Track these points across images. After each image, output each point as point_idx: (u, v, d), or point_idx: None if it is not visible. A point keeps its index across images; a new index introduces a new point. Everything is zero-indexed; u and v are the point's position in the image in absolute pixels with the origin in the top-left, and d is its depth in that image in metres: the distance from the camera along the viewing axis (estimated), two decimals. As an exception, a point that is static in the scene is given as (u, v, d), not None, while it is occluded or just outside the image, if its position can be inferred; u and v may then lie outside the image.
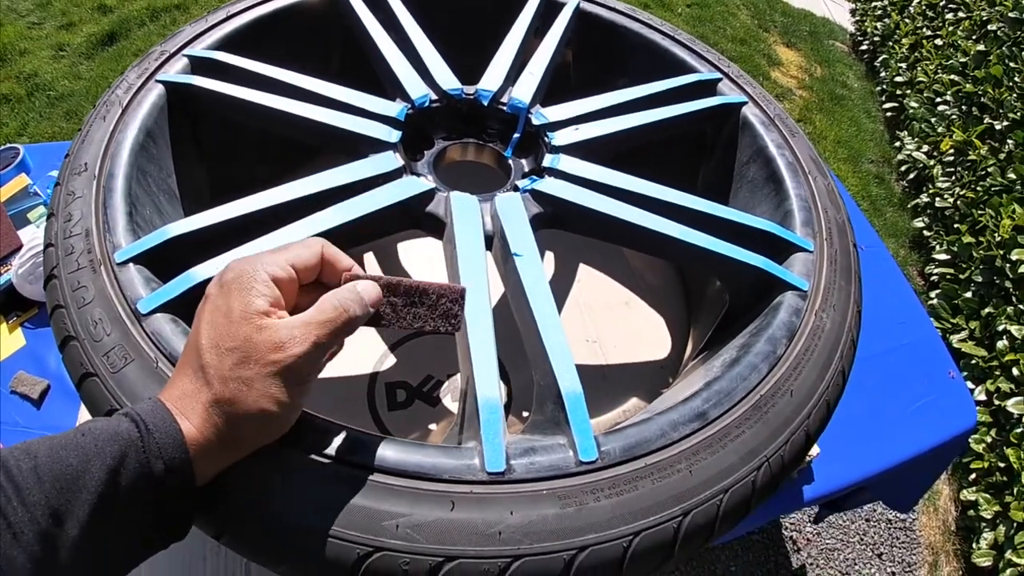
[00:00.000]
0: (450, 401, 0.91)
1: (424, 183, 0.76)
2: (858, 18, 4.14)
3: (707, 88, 1.03)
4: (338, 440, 0.50)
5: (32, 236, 1.39)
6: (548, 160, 0.83)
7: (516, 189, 0.83)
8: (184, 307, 0.63)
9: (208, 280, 0.62)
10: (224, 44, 0.97)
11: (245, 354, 0.44)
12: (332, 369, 0.93)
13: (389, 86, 0.95)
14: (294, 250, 0.49)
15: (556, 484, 0.51)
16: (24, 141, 2.72)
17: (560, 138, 0.87)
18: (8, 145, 1.60)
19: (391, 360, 0.95)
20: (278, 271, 0.47)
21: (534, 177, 0.82)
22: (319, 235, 0.67)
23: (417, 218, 0.75)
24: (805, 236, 0.83)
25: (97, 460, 0.40)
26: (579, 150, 0.86)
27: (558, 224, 0.78)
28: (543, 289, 0.63)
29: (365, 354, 0.96)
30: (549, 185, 0.78)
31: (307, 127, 0.84)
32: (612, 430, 0.56)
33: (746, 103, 1.01)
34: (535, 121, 0.90)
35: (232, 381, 0.44)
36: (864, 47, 3.89)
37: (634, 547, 0.50)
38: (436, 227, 0.75)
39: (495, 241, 0.72)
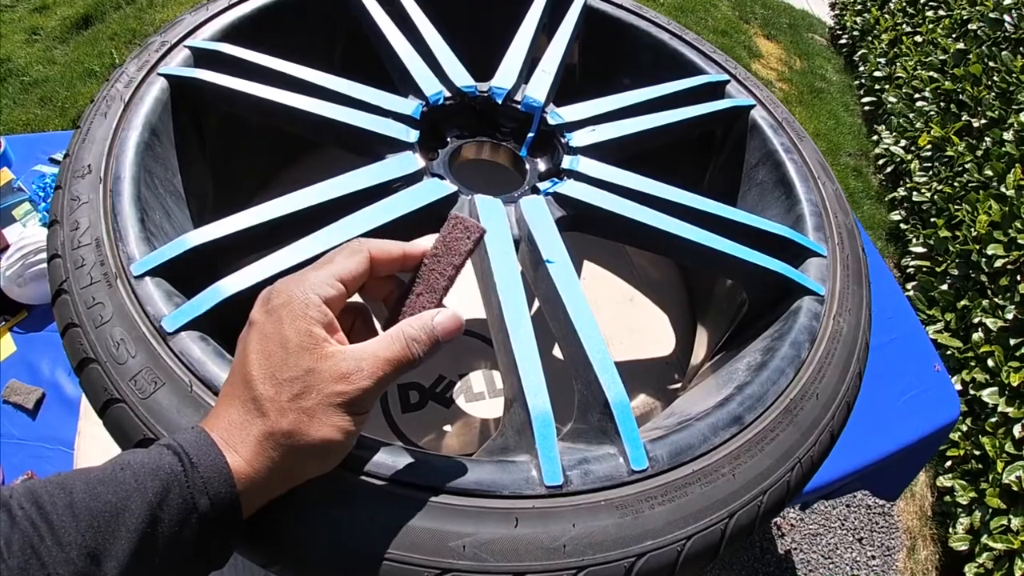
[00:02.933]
0: (463, 402, 0.91)
1: (447, 186, 0.75)
2: (837, 12, 4.19)
3: (716, 90, 1.03)
4: (394, 460, 0.50)
5: (19, 235, 1.33)
6: (567, 162, 0.83)
7: (535, 191, 0.83)
8: (212, 324, 0.60)
9: (238, 294, 0.61)
10: (226, 35, 0.94)
11: (307, 384, 0.42)
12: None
13: (401, 82, 0.93)
14: (339, 263, 0.47)
15: (612, 494, 0.51)
16: (-3, 128, 2.64)
17: (578, 139, 0.87)
18: None
19: (403, 361, 0.94)
20: (328, 290, 0.45)
21: (555, 179, 0.82)
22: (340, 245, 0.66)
23: (441, 221, 0.74)
24: (818, 241, 0.85)
25: (137, 497, 0.38)
26: (597, 151, 0.86)
27: (579, 227, 0.78)
28: (580, 296, 0.63)
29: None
30: (571, 188, 0.79)
31: (322, 125, 0.82)
32: (656, 437, 0.57)
33: (754, 106, 1.02)
34: (551, 121, 0.90)
35: (292, 412, 0.42)
36: (843, 41, 3.94)
37: (686, 550, 0.51)
38: (460, 231, 0.74)
39: (522, 245, 0.71)
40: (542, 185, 0.81)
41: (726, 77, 1.05)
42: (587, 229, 0.79)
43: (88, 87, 2.79)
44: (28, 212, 1.43)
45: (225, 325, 0.62)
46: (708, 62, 1.07)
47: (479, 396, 0.92)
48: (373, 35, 0.98)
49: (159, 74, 0.85)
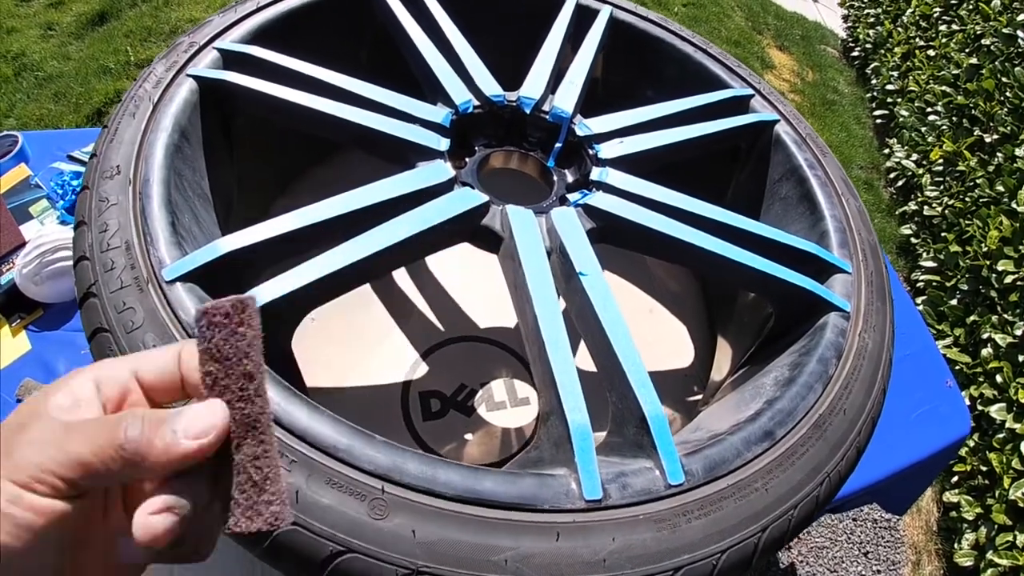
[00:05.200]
0: (485, 411, 0.91)
1: (478, 196, 0.76)
2: (850, 24, 4.19)
3: (741, 104, 1.04)
4: (434, 472, 0.50)
5: (37, 232, 1.32)
6: (596, 173, 0.84)
7: (563, 201, 0.84)
8: None
9: (273, 303, 0.61)
10: (254, 37, 0.95)
11: None
12: (364, 377, 0.93)
13: (430, 90, 0.94)
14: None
15: (650, 508, 0.52)
16: (11, 123, 2.64)
17: (606, 151, 0.87)
18: (4, 133, 1.53)
19: (423, 368, 0.95)
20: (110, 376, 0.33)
21: (584, 191, 0.82)
22: (378, 253, 0.66)
23: (471, 232, 0.75)
24: (843, 257, 0.85)
25: None
26: (625, 164, 0.86)
27: (609, 239, 0.79)
28: (614, 309, 0.64)
29: (397, 362, 0.95)
30: (601, 200, 0.79)
31: (353, 131, 0.83)
32: (691, 451, 0.58)
33: (779, 121, 1.02)
34: (579, 131, 0.90)
35: None
36: (855, 53, 3.94)
37: (721, 564, 0.52)
38: (491, 241, 0.75)
39: (553, 257, 0.72)
40: (572, 196, 0.82)
41: (751, 91, 1.06)
42: (616, 241, 0.80)
43: (103, 84, 2.79)
44: (46, 209, 1.41)
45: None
46: (732, 76, 1.08)
47: (500, 405, 0.92)
48: (402, 42, 0.99)
49: (188, 75, 0.85)
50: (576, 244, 0.71)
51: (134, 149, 0.73)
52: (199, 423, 0.31)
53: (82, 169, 1.46)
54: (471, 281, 1.06)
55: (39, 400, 0.31)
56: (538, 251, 0.69)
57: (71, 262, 1.18)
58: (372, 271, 0.71)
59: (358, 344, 0.96)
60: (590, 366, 0.68)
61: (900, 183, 3.05)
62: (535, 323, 0.61)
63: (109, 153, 0.73)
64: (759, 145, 1.02)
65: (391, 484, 0.49)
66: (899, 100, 3.33)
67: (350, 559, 0.47)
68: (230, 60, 0.90)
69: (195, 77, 0.84)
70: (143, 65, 2.92)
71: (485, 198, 0.76)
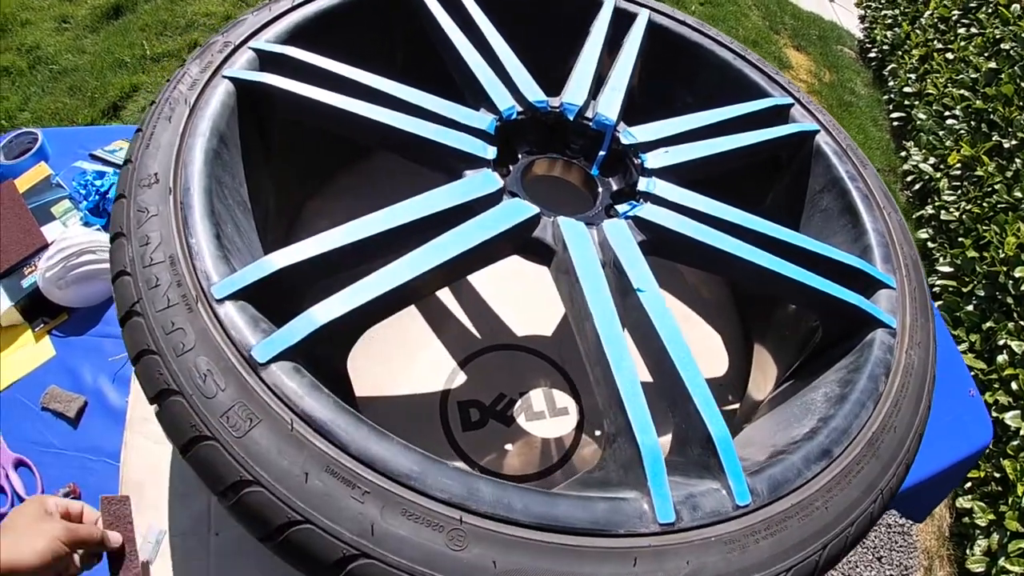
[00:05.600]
0: (524, 421, 0.91)
1: (529, 207, 0.75)
2: (867, 25, 4.17)
3: (781, 113, 1.03)
4: (508, 499, 0.50)
5: (61, 235, 1.27)
6: (644, 184, 0.83)
7: (608, 211, 0.83)
8: (303, 354, 0.58)
9: (330, 323, 0.59)
10: (290, 36, 0.93)
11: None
12: (403, 386, 0.93)
13: (472, 95, 0.93)
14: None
15: (720, 529, 0.52)
16: (26, 116, 2.62)
17: (652, 160, 0.87)
18: (24, 129, 1.49)
19: (461, 377, 0.95)
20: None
21: (632, 202, 0.82)
22: (433, 269, 0.65)
23: (522, 244, 0.74)
24: (887, 272, 0.85)
25: None
26: (671, 174, 0.86)
27: (658, 252, 0.79)
28: (673, 327, 0.63)
29: (435, 371, 0.95)
30: (651, 212, 0.79)
31: (399, 138, 0.81)
32: (754, 471, 0.58)
33: (819, 131, 1.01)
34: (623, 140, 0.90)
35: None
36: (872, 54, 3.92)
37: None
38: (542, 253, 0.74)
39: (607, 270, 0.71)
40: (620, 208, 0.81)
41: (790, 100, 1.05)
42: (665, 254, 0.79)
43: (119, 77, 2.78)
44: (68, 210, 1.37)
45: (314, 355, 0.60)
46: (771, 84, 1.07)
47: (539, 415, 0.92)
48: (442, 45, 0.98)
49: (224, 76, 0.82)
50: (631, 258, 0.70)
51: (172, 155, 0.71)
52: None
53: (105, 168, 1.43)
54: (507, 289, 1.05)
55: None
56: (594, 266, 0.68)
57: (97, 266, 1.19)
58: (428, 287, 0.70)
59: (397, 353, 0.96)
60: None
61: (917, 187, 3.04)
62: (597, 342, 0.60)
63: (146, 160, 0.70)
64: (800, 156, 1.02)
65: (468, 513, 0.49)
66: (917, 103, 3.31)
67: None
68: (266, 61, 0.88)
69: (231, 79, 0.82)
70: (159, 59, 2.91)
71: (536, 210, 0.75)
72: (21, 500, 0.96)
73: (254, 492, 0.50)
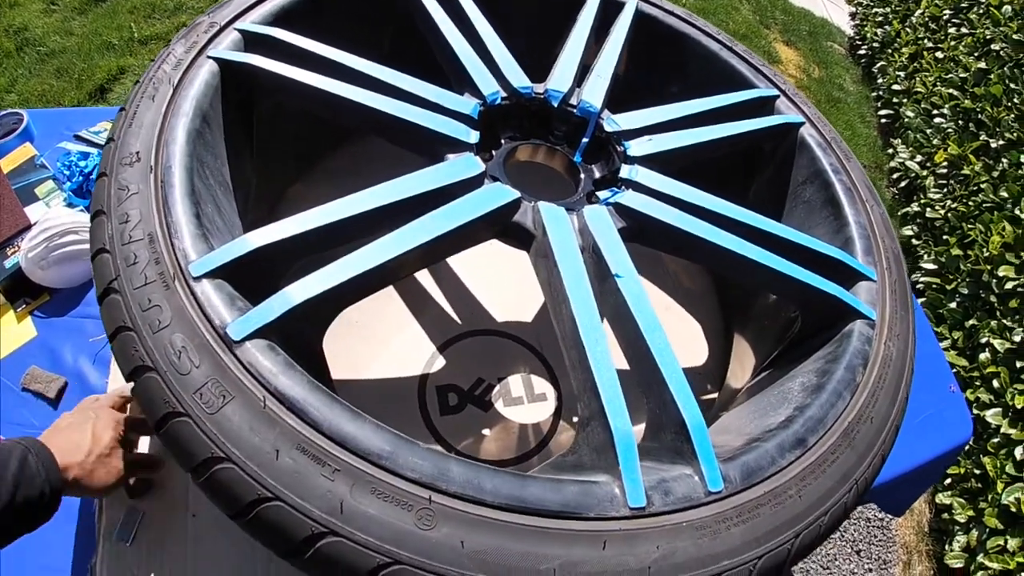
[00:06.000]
0: (502, 406, 0.91)
1: (510, 191, 0.75)
2: (858, 22, 4.18)
3: (766, 105, 1.03)
4: (478, 480, 0.50)
5: (44, 215, 1.27)
6: (626, 171, 0.83)
7: (590, 198, 0.83)
8: (278, 332, 0.58)
9: (306, 302, 0.59)
10: (276, 18, 0.92)
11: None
12: (382, 369, 0.93)
13: (457, 79, 0.92)
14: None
15: (692, 515, 0.53)
16: (12, 98, 2.60)
17: (636, 148, 0.86)
18: (9, 110, 1.49)
19: (440, 362, 0.94)
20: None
21: (613, 188, 0.82)
22: (411, 250, 0.65)
23: (502, 228, 0.74)
24: (867, 264, 0.85)
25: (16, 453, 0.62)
26: (654, 162, 0.85)
27: (638, 239, 0.78)
28: (650, 313, 0.63)
29: (414, 354, 0.95)
30: (632, 199, 0.78)
31: (383, 120, 0.81)
32: (728, 458, 0.58)
33: (804, 123, 1.01)
34: (607, 127, 0.90)
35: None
36: (862, 51, 3.93)
37: (757, 569, 0.53)
38: (522, 238, 0.74)
39: (586, 256, 0.71)
40: (602, 194, 0.81)
41: (776, 92, 1.05)
42: (646, 241, 0.79)
43: (106, 60, 2.75)
44: (52, 191, 1.37)
45: (290, 333, 0.60)
46: (758, 75, 1.07)
47: (518, 400, 0.92)
48: (428, 29, 0.97)
49: (209, 57, 0.82)
50: (610, 244, 0.70)
51: (154, 134, 0.70)
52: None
53: (89, 150, 1.42)
54: (486, 273, 1.05)
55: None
56: (573, 250, 0.68)
57: (80, 246, 1.18)
58: (404, 269, 0.70)
59: (375, 336, 0.95)
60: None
61: (903, 184, 3.06)
62: (573, 326, 0.60)
63: (128, 138, 0.70)
64: (784, 147, 1.02)
65: (437, 493, 0.49)
66: (905, 101, 3.32)
67: (398, 570, 0.47)
68: (252, 42, 0.87)
69: (216, 59, 0.82)
70: (147, 42, 2.88)
71: (517, 194, 0.75)
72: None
73: (225, 469, 0.50)
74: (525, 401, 0.92)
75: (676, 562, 0.49)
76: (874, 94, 3.67)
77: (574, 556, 0.47)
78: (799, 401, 0.69)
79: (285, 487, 0.49)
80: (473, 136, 0.81)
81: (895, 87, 3.43)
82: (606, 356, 0.58)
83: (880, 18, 3.90)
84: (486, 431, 0.89)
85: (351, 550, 0.47)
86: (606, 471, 0.54)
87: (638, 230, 0.77)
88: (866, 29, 3.96)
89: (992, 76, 2.79)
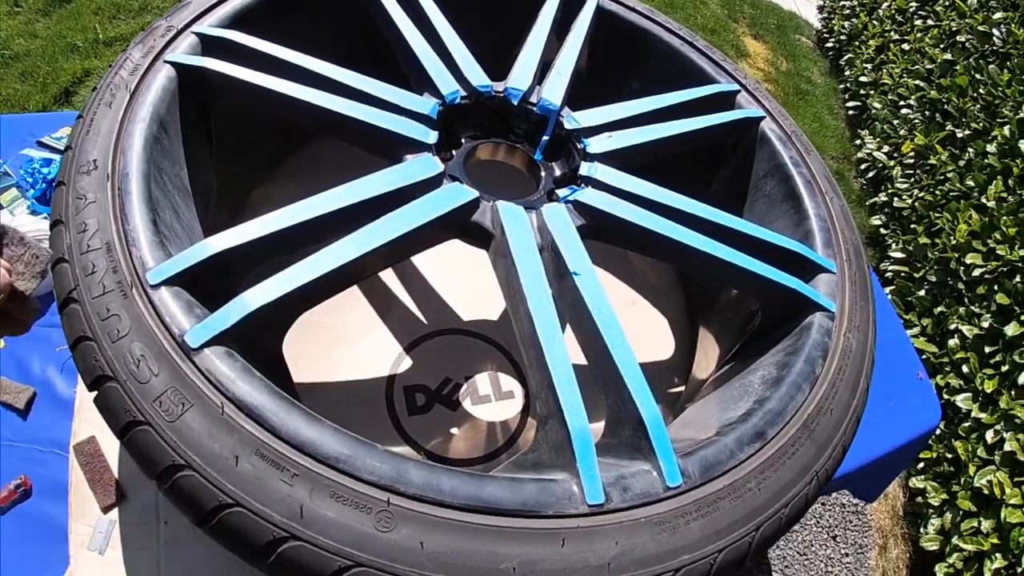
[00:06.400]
0: (470, 405, 0.91)
1: (468, 191, 0.75)
2: (825, 15, 4.22)
3: (727, 100, 1.04)
4: (437, 480, 0.50)
5: (8, 223, 1.22)
6: (585, 168, 0.83)
7: (551, 196, 0.83)
8: (236, 339, 0.58)
9: (263, 307, 0.59)
10: (233, 21, 0.91)
11: None
12: (348, 371, 0.92)
13: (416, 79, 0.92)
14: None
15: (650, 510, 0.53)
16: (-25, 105, 2.55)
17: (595, 145, 0.87)
18: None
19: (407, 362, 0.94)
20: None
21: (573, 186, 0.82)
22: (369, 252, 0.65)
23: (461, 228, 0.74)
24: (827, 257, 0.86)
25: None
26: (613, 159, 0.86)
27: (597, 236, 0.79)
28: (608, 310, 0.63)
29: (380, 355, 0.94)
30: (591, 196, 0.79)
31: (338, 122, 0.81)
32: (686, 453, 0.58)
33: (764, 117, 1.02)
34: (567, 125, 0.90)
35: None
36: (830, 44, 3.98)
37: (718, 563, 0.53)
38: (481, 237, 0.74)
39: (545, 254, 0.71)
40: (561, 192, 0.81)
41: (737, 87, 1.06)
42: (606, 238, 0.79)
43: (71, 63, 2.71)
44: (16, 199, 1.34)
45: (248, 339, 0.60)
46: (718, 70, 1.08)
47: (485, 399, 0.92)
48: (388, 29, 0.97)
49: (165, 61, 0.81)
50: (568, 242, 0.70)
51: (111, 141, 0.70)
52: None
53: (53, 156, 1.40)
54: (452, 273, 1.05)
55: None
56: (531, 249, 0.68)
57: (45, 255, 1.16)
58: (363, 271, 0.70)
59: (341, 338, 0.95)
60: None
61: (871, 174, 3.10)
62: (531, 325, 0.60)
63: (85, 146, 0.70)
64: (744, 141, 1.03)
65: (396, 495, 0.49)
66: (872, 92, 3.37)
67: (359, 573, 0.47)
68: (209, 45, 0.86)
69: (173, 63, 0.81)
70: (112, 43, 2.85)
71: (475, 194, 0.74)
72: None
73: (186, 476, 0.50)
74: (493, 399, 0.92)
75: (635, 558, 0.49)
76: (842, 86, 3.72)
77: (533, 554, 0.47)
78: (759, 394, 0.69)
79: (245, 493, 0.49)
80: (432, 136, 0.81)
81: (862, 79, 3.48)
82: (563, 354, 0.58)
83: (847, 11, 3.94)
84: (454, 430, 0.89)
85: (312, 554, 0.47)
86: (564, 469, 0.54)
87: (597, 227, 0.77)
88: (833, 22, 4.00)
89: (958, 67, 2.83)
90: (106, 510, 0.89)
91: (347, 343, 0.95)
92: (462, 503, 0.50)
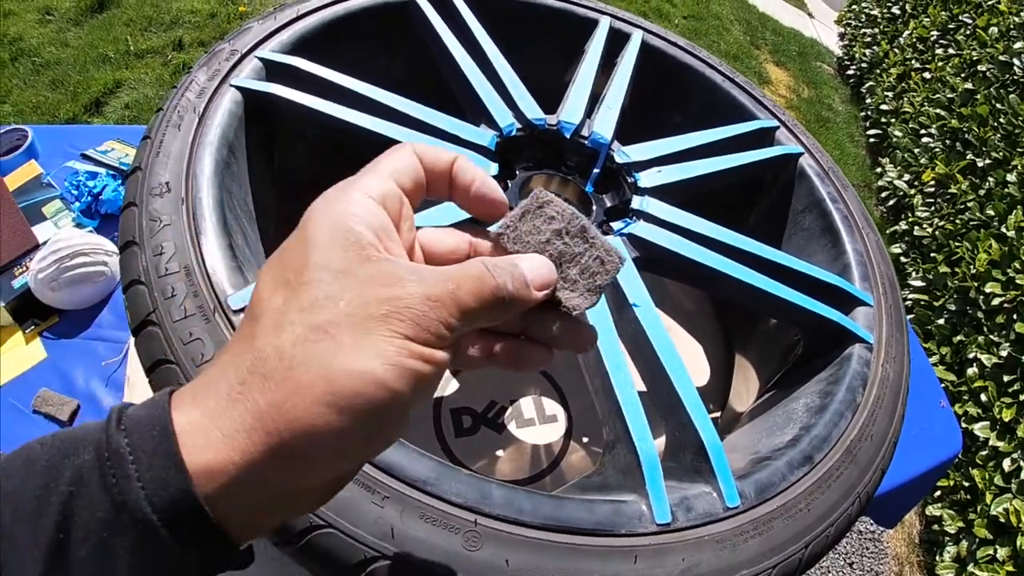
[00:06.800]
0: (515, 428, 0.94)
1: (530, 222, 0.78)
2: (846, 43, 4.27)
3: (767, 135, 1.08)
4: (517, 502, 0.53)
5: (54, 236, 1.25)
6: (637, 202, 0.87)
7: (602, 228, 0.87)
8: None
9: None
10: (294, 47, 0.94)
11: (334, 288, 0.29)
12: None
13: (472, 111, 0.96)
14: (384, 162, 0.36)
15: (712, 529, 0.57)
16: (7, 109, 2.59)
17: (646, 179, 0.90)
18: (12, 126, 1.47)
19: (454, 385, 0.97)
20: (379, 187, 0.34)
21: (626, 219, 0.86)
22: None
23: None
24: (864, 290, 0.89)
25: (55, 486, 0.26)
26: (663, 193, 0.89)
27: (650, 268, 0.82)
28: (667, 340, 0.67)
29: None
30: (643, 229, 0.82)
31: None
32: (742, 475, 0.62)
33: (803, 153, 1.06)
34: (617, 159, 0.93)
35: (302, 327, 0.28)
36: (851, 71, 4.03)
37: None
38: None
39: (603, 286, 0.74)
40: (615, 225, 0.85)
41: (776, 123, 1.09)
42: (657, 270, 0.83)
43: (102, 73, 2.77)
44: (60, 211, 1.36)
45: None
46: (758, 106, 1.12)
47: (529, 422, 0.95)
48: (444, 61, 1.01)
49: (232, 85, 0.84)
50: (626, 274, 0.74)
51: (183, 165, 0.71)
52: (542, 277, 0.35)
53: (97, 169, 1.42)
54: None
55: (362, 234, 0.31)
56: (592, 281, 0.72)
57: (91, 268, 1.20)
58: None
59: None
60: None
61: (891, 203, 3.13)
62: (597, 354, 0.64)
63: (156, 167, 0.70)
64: (783, 176, 1.06)
65: (481, 516, 0.52)
66: (893, 120, 3.41)
67: None
68: (272, 70, 0.89)
69: (239, 88, 0.83)
70: (143, 55, 2.90)
71: (537, 225, 0.78)
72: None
73: None
74: (537, 422, 0.95)
75: (700, 573, 0.53)
76: (862, 114, 3.76)
77: (610, 571, 0.51)
78: (804, 421, 0.73)
79: (337, 514, 0.51)
80: (493, 168, 0.85)
81: (883, 107, 3.52)
82: (629, 383, 0.62)
83: (868, 39, 3.99)
84: (500, 452, 0.92)
85: (403, 573, 0.50)
86: (633, 491, 0.58)
87: (650, 260, 0.81)
88: (855, 49, 4.05)
89: (978, 96, 2.87)
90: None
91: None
92: (541, 522, 0.53)
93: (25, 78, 2.74)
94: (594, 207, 0.91)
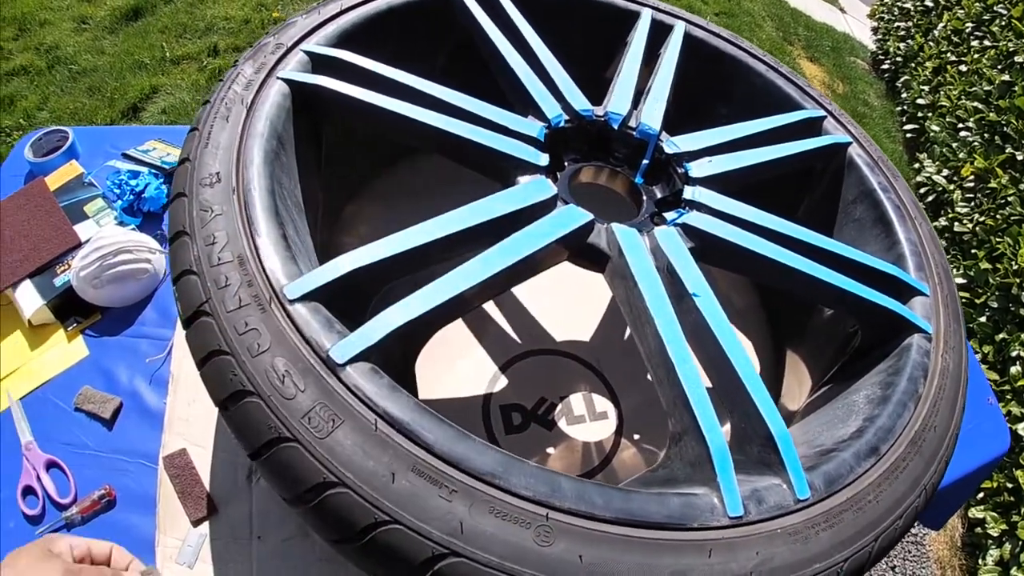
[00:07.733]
0: (565, 425, 0.93)
1: (583, 214, 0.78)
2: (880, 37, 4.20)
3: (815, 125, 1.06)
4: (589, 495, 0.53)
5: (96, 234, 1.25)
6: (689, 192, 0.86)
7: (654, 219, 0.86)
8: (380, 356, 0.58)
9: (406, 325, 0.59)
10: (340, 39, 0.94)
11: None
12: (447, 390, 0.95)
13: (520, 103, 0.95)
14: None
15: (784, 522, 0.56)
16: (44, 116, 2.63)
17: (697, 169, 0.89)
18: (54, 127, 1.48)
19: (503, 381, 0.97)
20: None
21: (680, 209, 0.85)
22: (499, 272, 0.67)
23: (577, 250, 0.77)
24: (920, 280, 0.88)
25: None
26: (714, 183, 0.88)
27: (704, 259, 0.81)
28: (729, 329, 0.66)
29: (478, 375, 0.97)
30: (698, 219, 0.81)
31: (456, 144, 0.83)
32: (810, 467, 0.60)
33: (851, 143, 1.04)
34: (667, 149, 0.93)
35: None
36: (885, 66, 3.96)
37: (845, 571, 0.56)
38: (596, 259, 0.77)
39: (662, 276, 0.74)
40: (669, 215, 0.84)
41: (823, 113, 1.08)
42: (712, 261, 0.82)
43: (138, 79, 2.80)
44: (102, 209, 1.36)
45: (388, 356, 0.61)
46: (804, 96, 1.10)
47: (580, 419, 0.94)
48: (489, 53, 1.00)
49: (279, 78, 0.83)
50: (684, 264, 0.73)
51: (233, 155, 0.70)
52: None
53: (139, 168, 1.42)
54: (544, 294, 1.07)
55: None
56: (650, 271, 0.71)
57: (133, 266, 1.21)
58: (493, 290, 0.72)
59: (440, 358, 0.97)
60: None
61: (930, 198, 3.07)
62: (660, 345, 0.63)
63: (205, 158, 0.70)
64: (833, 166, 1.05)
65: (553, 510, 0.51)
66: (930, 115, 3.34)
67: None
68: (318, 63, 0.89)
69: (286, 80, 0.83)
70: (179, 62, 2.94)
71: (590, 216, 0.77)
72: (53, 503, 0.94)
73: (339, 493, 0.50)
74: (587, 419, 0.94)
75: (774, 566, 0.52)
76: (898, 108, 3.70)
77: (684, 565, 0.50)
78: (867, 412, 0.71)
79: (403, 509, 0.49)
80: (543, 159, 0.84)
81: (919, 101, 3.45)
82: (695, 373, 0.61)
83: (902, 32, 3.92)
84: (551, 449, 0.91)
85: (472, 569, 0.48)
86: (703, 484, 0.57)
87: (706, 250, 0.80)
88: (888, 44, 3.99)
89: (1016, 88, 2.80)
90: (196, 523, 0.89)
91: (446, 363, 0.98)
92: (613, 516, 0.52)
93: (62, 85, 2.78)
94: (644, 198, 0.91)
